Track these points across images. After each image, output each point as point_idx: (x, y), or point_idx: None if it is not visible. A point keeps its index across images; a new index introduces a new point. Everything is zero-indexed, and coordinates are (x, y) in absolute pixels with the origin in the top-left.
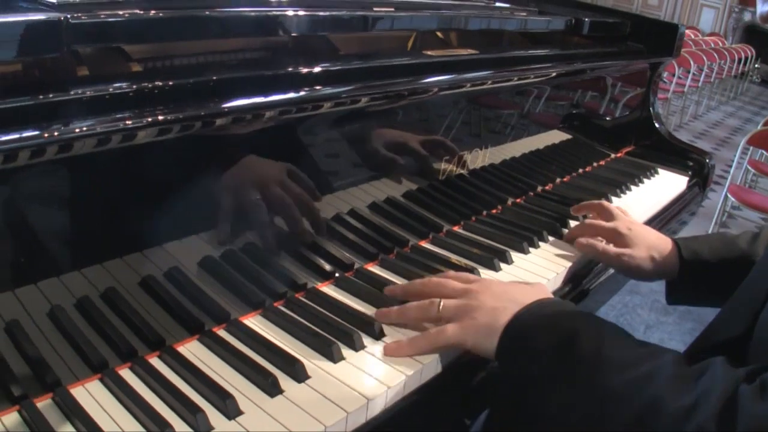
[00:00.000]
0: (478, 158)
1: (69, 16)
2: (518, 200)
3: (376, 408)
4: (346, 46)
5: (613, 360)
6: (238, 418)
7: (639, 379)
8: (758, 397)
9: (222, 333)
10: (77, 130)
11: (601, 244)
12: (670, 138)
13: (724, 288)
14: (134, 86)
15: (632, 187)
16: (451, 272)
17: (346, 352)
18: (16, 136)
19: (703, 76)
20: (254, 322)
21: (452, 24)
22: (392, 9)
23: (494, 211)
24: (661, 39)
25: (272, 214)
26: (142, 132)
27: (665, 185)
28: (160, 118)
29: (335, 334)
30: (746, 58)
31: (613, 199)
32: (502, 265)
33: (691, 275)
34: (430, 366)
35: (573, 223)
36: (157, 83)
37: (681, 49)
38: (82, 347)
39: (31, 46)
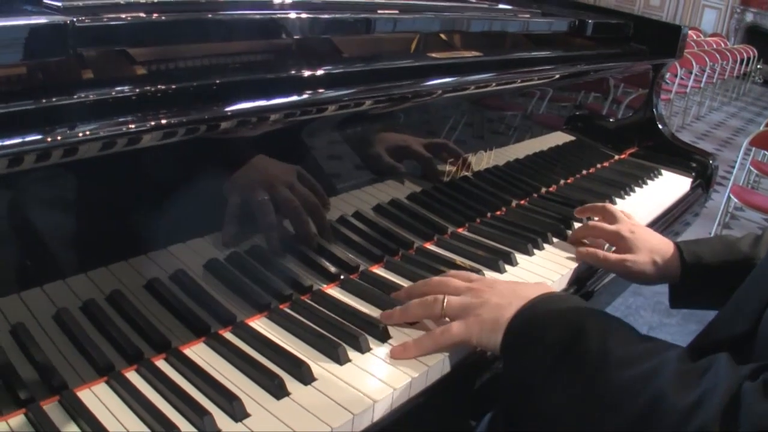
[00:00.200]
0: (482, 160)
1: (74, 19)
2: (522, 202)
3: (382, 410)
4: (350, 49)
5: (618, 355)
6: (244, 420)
7: (643, 375)
8: (762, 395)
9: (228, 335)
10: (81, 134)
11: (602, 251)
12: (673, 139)
13: (727, 291)
14: (138, 90)
15: (636, 188)
16: (453, 271)
17: (352, 354)
18: (21, 140)
19: (705, 76)
20: (260, 324)
21: (455, 26)
22: (396, 11)
23: (498, 212)
24: (664, 40)
25: (277, 216)
26: (146, 136)
27: (668, 187)
28: (164, 121)
29: (341, 336)
30: (748, 59)
31: (617, 200)
32: (507, 267)
33: (693, 279)
34: (436, 368)
35: (577, 225)
36: (160, 86)
37: (684, 50)
38: (89, 350)
39: (37, 50)
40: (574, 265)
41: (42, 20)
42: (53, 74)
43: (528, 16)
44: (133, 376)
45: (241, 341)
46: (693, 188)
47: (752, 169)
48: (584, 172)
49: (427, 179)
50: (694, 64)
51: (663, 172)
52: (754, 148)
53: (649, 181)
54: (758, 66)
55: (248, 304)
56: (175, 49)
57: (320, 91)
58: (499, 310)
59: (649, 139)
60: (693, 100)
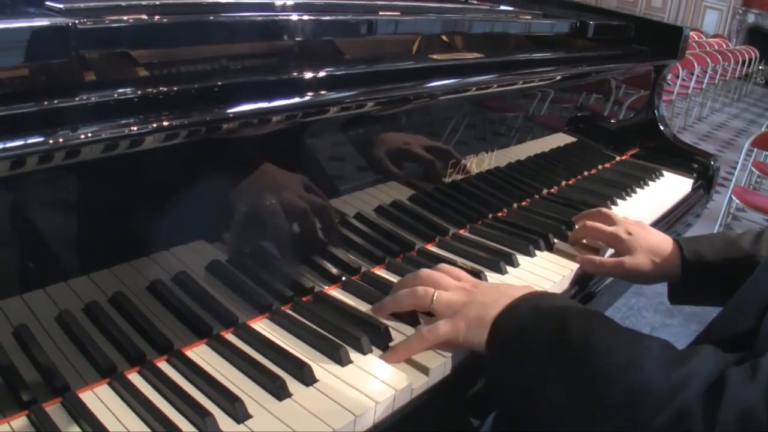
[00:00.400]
0: (484, 161)
1: (76, 21)
2: (524, 203)
3: (385, 411)
4: (351, 51)
5: (602, 344)
6: (246, 422)
7: (628, 361)
8: (747, 379)
9: (230, 337)
10: (83, 136)
11: (598, 257)
12: (674, 140)
13: (727, 288)
14: (140, 91)
15: (637, 189)
16: (444, 265)
17: (353, 355)
18: (23, 142)
19: (707, 78)
20: (262, 325)
21: (457, 27)
22: (397, 13)
23: (500, 214)
24: (666, 41)
25: (279, 218)
26: (148, 137)
27: (670, 188)
28: (166, 123)
29: (343, 337)
30: (750, 60)
31: (619, 202)
32: (509, 268)
33: (693, 276)
34: (438, 369)
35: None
36: (162, 88)
37: (685, 52)
38: (91, 351)
39: (39, 52)
40: (575, 266)
41: (44, 22)
42: (55, 76)
43: (529, 17)
44: (135, 377)
45: (243, 342)
46: (694, 189)
47: (754, 170)
48: (586, 173)
49: (428, 180)
50: (695, 65)
51: (664, 173)
52: (755, 149)
53: (650, 182)
54: (760, 67)
55: (250, 306)
56: (177, 51)
57: (322, 92)
58: (484, 309)
59: (650, 140)
60: (695, 101)
